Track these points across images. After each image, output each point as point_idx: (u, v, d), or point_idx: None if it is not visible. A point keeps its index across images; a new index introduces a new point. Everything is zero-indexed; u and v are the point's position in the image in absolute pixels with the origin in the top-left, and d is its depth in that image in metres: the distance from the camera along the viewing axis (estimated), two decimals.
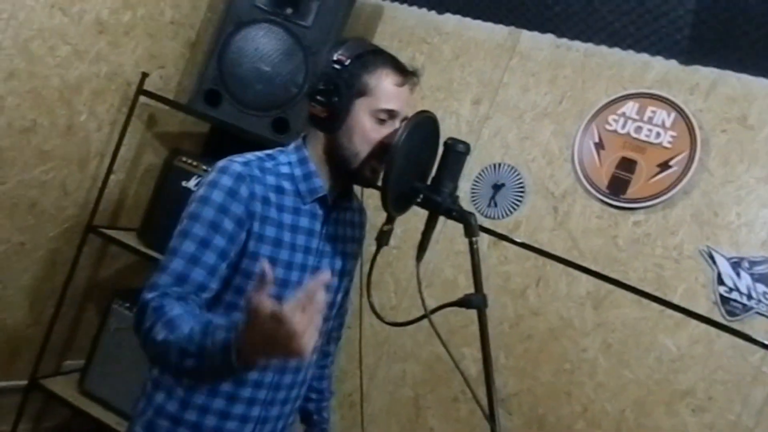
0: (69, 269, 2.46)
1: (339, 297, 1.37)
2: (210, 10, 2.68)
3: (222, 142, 2.75)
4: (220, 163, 1.20)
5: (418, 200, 1.26)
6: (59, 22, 2.20)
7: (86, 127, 2.42)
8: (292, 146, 1.30)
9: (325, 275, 0.91)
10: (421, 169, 1.28)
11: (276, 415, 1.31)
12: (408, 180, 1.23)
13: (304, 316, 0.87)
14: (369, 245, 1.39)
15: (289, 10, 2.36)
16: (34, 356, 2.45)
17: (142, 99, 2.47)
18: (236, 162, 1.20)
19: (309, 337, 0.88)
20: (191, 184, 2.35)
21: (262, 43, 2.36)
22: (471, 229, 1.19)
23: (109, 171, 2.47)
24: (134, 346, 2.31)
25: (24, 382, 2.45)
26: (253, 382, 1.24)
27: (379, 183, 1.22)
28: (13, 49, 2.11)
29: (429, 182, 1.25)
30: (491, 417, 1.13)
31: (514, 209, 2.41)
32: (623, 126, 2.24)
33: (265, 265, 0.89)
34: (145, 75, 2.44)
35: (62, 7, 2.19)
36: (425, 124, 1.25)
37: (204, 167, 2.36)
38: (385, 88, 1.22)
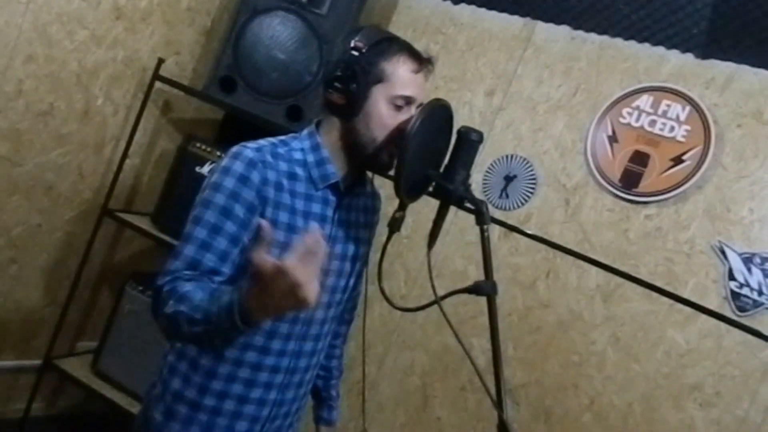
0: (84, 252, 2.50)
1: (351, 281, 1.38)
2: None
3: (236, 128, 2.77)
4: (233, 148, 1.21)
5: (431, 188, 1.26)
6: (77, 6, 2.22)
7: (103, 112, 2.44)
8: (305, 132, 1.31)
9: (317, 231, 0.95)
10: (435, 156, 1.28)
11: (291, 397, 1.33)
12: (421, 167, 1.24)
13: (306, 267, 0.91)
14: (380, 234, 1.40)
15: None
16: (49, 337, 2.50)
17: (158, 85, 2.49)
18: (249, 148, 1.21)
19: (312, 287, 0.92)
20: (205, 170, 2.37)
21: (278, 31, 2.37)
22: (482, 217, 1.20)
23: (125, 156, 2.49)
24: (147, 328, 2.37)
25: (38, 362, 2.50)
26: (269, 368, 1.26)
27: (392, 170, 1.23)
28: (32, 33, 2.13)
29: (442, 170, 1.26)
30: (499, 403, 1.14)
31: (526, 201, 2.41)
32: (637, 119, 2.24)
33: (263, 223, 0.92)
34: (161, 61, 2.46)
35: None
36: (439, 112, 1.26)
37: (218, 153, 2.38)
38: (402, 74, 1.23)
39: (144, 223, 2.49)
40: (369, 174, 1.39)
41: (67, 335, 2.63)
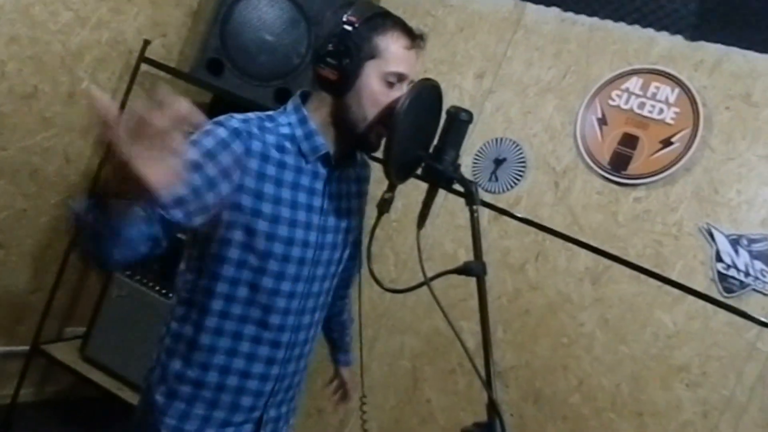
0: (71, 236, 2.47)
1: (345, 253, 1.38)
2: None
3: (224, 111, 2.72)
4: (219, 118, 1.19)
5: (420, 168, 1.25)
6: None
7: (88, 95, 2.41)
8: (290, 107, 1.29)
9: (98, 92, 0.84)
10: (424, 137, 1.27)
11: (293, 371, 1.33)
12: (410, 147, 1.23)
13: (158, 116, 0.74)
14: (368, 217, 1.40)
15: None
16: (37, 322, 2.48)
17: (144, 67, 2.45)
18: (235, 118, 1.19)
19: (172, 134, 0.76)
20: None
21: (265, 13, 2.34)
22: (472, 197, 1.19)
23: None
24: (136, 312, 2.35)
25: (26, 348, 2.48)
26: (270, 341, 1.26)
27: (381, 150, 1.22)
28: (14, 14, 2.09)
29: (431, 150, 1.25)
30: (488, 383, 1.15)
31: (515, 184, 2.41)
32: (626, 101, 2.24)
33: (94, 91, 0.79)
34: (147, 42, 2.43)
35: None
36: (428, 92, 1.25)
37: None
38: (394, 51, 1.21)
39: None
40: None
41: (55, 320, 2.61)
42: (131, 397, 2.30)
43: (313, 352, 1.42)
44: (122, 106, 2.46)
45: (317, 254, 1.28)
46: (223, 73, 2.34)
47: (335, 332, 1.71)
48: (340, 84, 1.20)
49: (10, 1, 2.06)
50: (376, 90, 1.21)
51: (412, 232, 2.50)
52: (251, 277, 1.21)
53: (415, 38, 1.24)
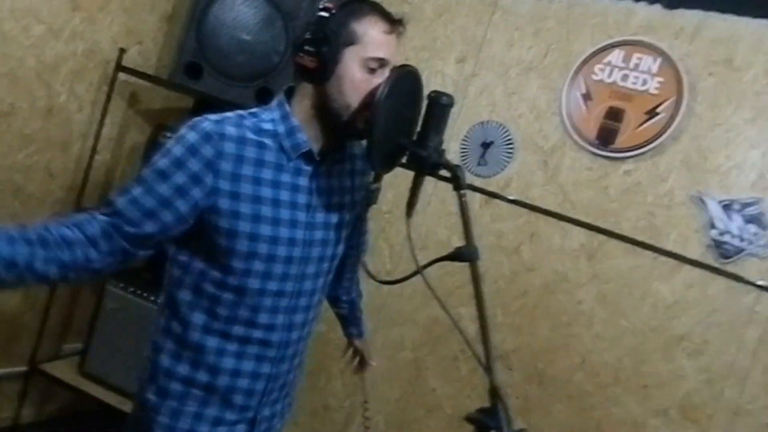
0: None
1: (339, 249, 1.36)
2: None
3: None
4: (194, 120, 1.18)
5: (405, 156, 1.24)
6: (30, 0, 2.14)
7: (67, 108, 2.37)
8: (274, 103, 1.27)
9: None
10: (406, 124, 1.25)
11: (286, 369, 1.32)
12: (393, 136, 1.21)
13: None
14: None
15: None
16: (33, 342, 2.45)
17: (122, 76, 2.42)
18: (209, 120, 1.18)
19: None
20: None
21: (241, 12, 2.31)
22: (459, 182, 1.17)
23: (93, 151, 2.43)
24: (132, 325, 2.33)
25: (24, 368, 2.45)
26: (258, 341, 1.24)
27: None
28: None
29: (415, 137, 1.23)
30: (488, 368, 1.13)
31: (504, 166, 2.40)
32: (609, 75, 2.23)
33: None
34: (122, 51, 2.39)
35: None
36: (407, 78, 1.23)
37: None
38: (373, 36, 1.19)
39: None
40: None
41: (52, 339, 2.58)
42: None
43: (306, 349, 1.40)
44: (102, 117, 2.43)
45: (306, 251, 1.26)
46: (202, 77, 2.31)
47: (344, 309, 1.72)
48: (320, 72, 1.18)
49: None
50: (357, 77, 1.19)
51: (404, 222, 2.48)
52: (237, 280, 1.19)
53: (394, 22, 1.22)
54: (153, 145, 2.39)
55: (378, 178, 1.26)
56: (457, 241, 2.43)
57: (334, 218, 1.32)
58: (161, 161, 1.15)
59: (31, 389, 2.49)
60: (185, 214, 1.15)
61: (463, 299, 2.34)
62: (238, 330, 1.22)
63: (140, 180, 1.16)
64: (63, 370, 2.47)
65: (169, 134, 2.35)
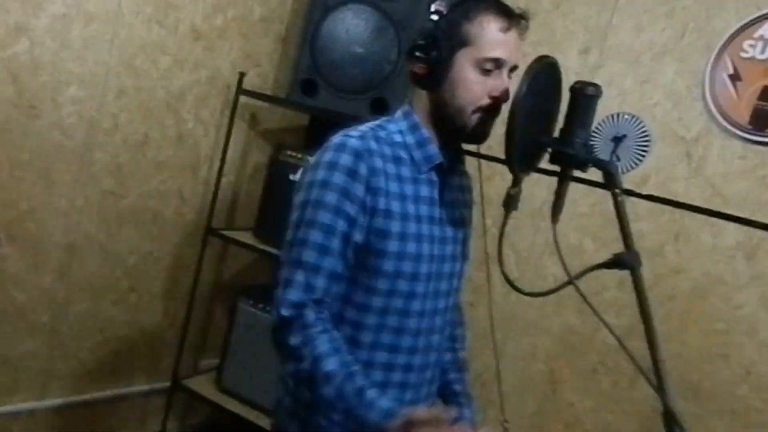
0: (194, 272, 2.55)
1: (465, 265, 1.31)
2: (296, 1, 2.66)
3: (323, 130, 2.72)
4: (336, 139, 1.15)
5: (547, 155, 1.14)
6: (157, 34, 2.25)
7: (194, 134, 2.48)
8: (399, 113, 1.23)
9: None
10: (546, 121, 1.16)
11: (424, 395, 1.27)
12: (533, 137, 1.12)
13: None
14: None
15: None
16: (173, 358, 2.57)
17: (243, 99, 2.50)
18: (352, 137, 1.14)
19: None
20: (298, 176, 2.35)
21: (352, 25, 2.32)
22: (613, 180, 1.06)
23: (220, 174, 2.52)
24: (263, 340, 2.36)
25: (168, 384, 2.58)
26: (402, 367, 1.19)
27: (489, 143, 1.13)
28: (119, 68, 2.18)
29: (558, 135, 1.13)
30: (661, 388, 1.01)
31: (640, 161, 2.21)
32: (762, 51, 1.98)
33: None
34: (242, 74, 2.47)
35: (158, 20, 2.24)
36: (547, 72, 1.14)
37: (309, 158, 2.35)
38: (488, 35, 1.12)
39: (247, 238, 2.50)
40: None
41: (189, 354, 2.70)
42: (270, 425, 2.31)
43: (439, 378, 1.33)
44: (227, 139, 2.51)
45: (439, 267, 1.20)
46: (317, 93, 2.34)
47: (450, 372, 1.39)
48: (432, 78, 1.13)
49: (115, 56, 2.16)
50: (470, 79, 1.13)
51: (529, 227, 2.36)
52: (381, 302, 1.15)
53: (512, 18, 1.14)
54: (275, 165, 2.44)
55: (517, 182, 1.17)
56: (590, 245, 2.30)
57: (459, 232, 1.27)
58: (328, 196, 1.10)
59: (173, 403, 2.61)
60: (359, 241, 1.13)
61: (601, 306, 2.11)
62: (381, 356, 1.17)
63: (311, 224, 1.10)
64: (202, 386, 2.56)
65: (289, 152, 2.40)
